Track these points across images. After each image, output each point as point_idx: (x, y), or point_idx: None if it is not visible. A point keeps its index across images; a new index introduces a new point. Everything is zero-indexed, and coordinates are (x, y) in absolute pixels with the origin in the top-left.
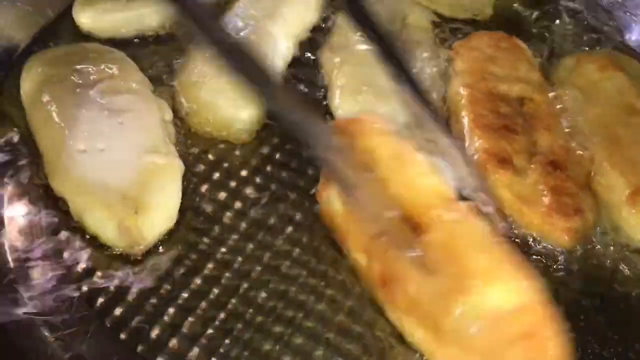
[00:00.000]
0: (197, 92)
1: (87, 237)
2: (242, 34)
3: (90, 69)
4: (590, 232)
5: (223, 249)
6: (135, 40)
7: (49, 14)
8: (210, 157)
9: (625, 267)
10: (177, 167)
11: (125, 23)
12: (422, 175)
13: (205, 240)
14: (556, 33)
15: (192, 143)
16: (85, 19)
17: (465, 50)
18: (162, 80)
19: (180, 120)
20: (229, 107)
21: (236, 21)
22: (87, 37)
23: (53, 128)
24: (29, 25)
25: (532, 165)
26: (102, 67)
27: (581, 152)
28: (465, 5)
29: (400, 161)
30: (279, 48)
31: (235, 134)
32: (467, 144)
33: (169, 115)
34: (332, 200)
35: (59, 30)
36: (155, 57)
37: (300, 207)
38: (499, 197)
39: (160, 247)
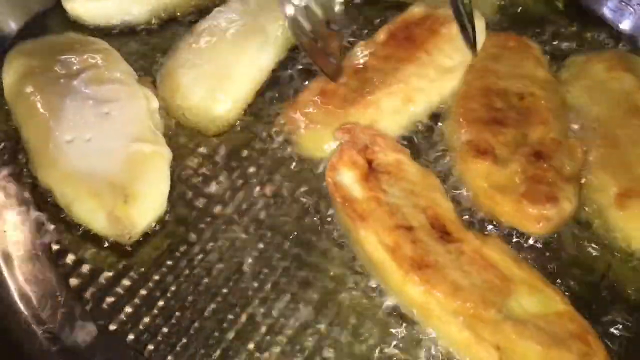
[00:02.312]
0: (178, 80)
1: (76, 228)
2: (233, 25)
3: (73, 59)
4: (566, 223)
5: (212, 242)
6: (123, 29)
7: (43, 2)
8: (202, 149)
9: (612, 266)
10: (164, 155)
11: (113, 11)
12: (446, 200)
13: (195, 232)
14: (565, 33)
15: (181, 134)
16: (73, 4)
17: None
18: (146, 70)
19: (166, 113)
20: (206, 97)
21: (229, 13)
22: (76, 25)
23: (38, 119)
24: (19, 13)
25: (515, 156)
26: (86, 57)
27: (576, 148)
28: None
29: (427, 184)
30: (269, 43)
31: (206, 125)
32: (455, 136)
33: (155, 103)
34: (347, 183)
35: (48, 19)
36: (142, 47)
37: (294, 200)
38: (475, 187)
39: (150, 239)
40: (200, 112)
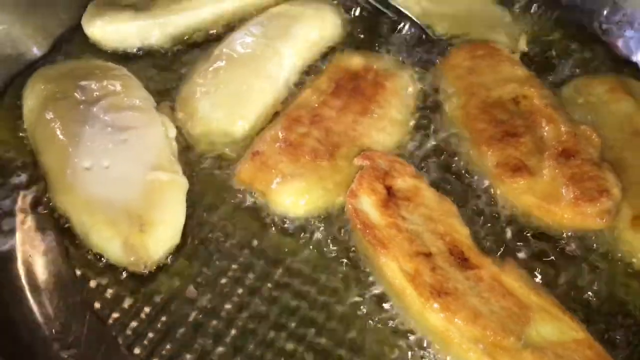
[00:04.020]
0: (195, 105)
1: (97, 255)
2: (249, 50)
3: (93, 86)
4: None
5: (235, 265)
6: (143, 53)
7: (64, 25)
8: (217, 172)
9: (630, 290)
10: (181, 184)
11: (133, 35)
12: (463, 226)
13: (215, 258)
14: (567, 54)
15: (198, 160)
16: (93, 28)
17: (446, 70)
18: (164, 95)
19: (184, 139)
20: (223, 122)
21: (245, 37)
22: (96, 48)
23: (57, 145)
24: (40, 37)
25: (545, 163)
26: (105, 83)
27: (590, 133)
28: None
29: (444, 210)
30: (285, 68)
31: (224, 150)
32: (477, 161)
33: (172, 131)
34: (367, 209)
35: (69, 42)
36: (161, 71)
37: (316, 227)
38: (525, 205)
39: (170, 266)
40: (219, 138)
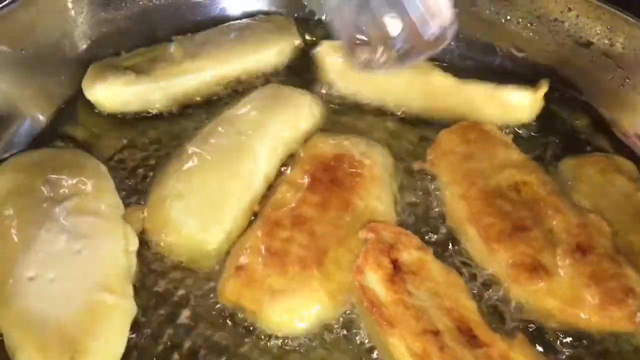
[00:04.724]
0: (166, 212)
1: None
2: (221, 148)
3: (63, 182)
4: None
5: None
6: (142, 116)
7: (65, 87)
8: (178, 294)
9: None
10: (127, 310)
11: (133, 97)
12: (470, 301)
13: None
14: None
15: (167, 274)
16: (94, 92)
17: (439, 157)
18: (160, 160)
19: (148, 249)
20: (197, 230)
21: (216, 134)
22: (99, 111)
23: (6, 248)
24: (43, 102)
25: (561, 260)
26: (76, 181)
27: (600, 223)
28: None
29: (450, 283)
30: (261, 164)
31: (199, 259)
32: (487, 258)
33: (134, 245)
34: (373, 286)
35: (72, 104)
36: (160, 134)
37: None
38: (547, 309)
39: None
40: (192, 247)
